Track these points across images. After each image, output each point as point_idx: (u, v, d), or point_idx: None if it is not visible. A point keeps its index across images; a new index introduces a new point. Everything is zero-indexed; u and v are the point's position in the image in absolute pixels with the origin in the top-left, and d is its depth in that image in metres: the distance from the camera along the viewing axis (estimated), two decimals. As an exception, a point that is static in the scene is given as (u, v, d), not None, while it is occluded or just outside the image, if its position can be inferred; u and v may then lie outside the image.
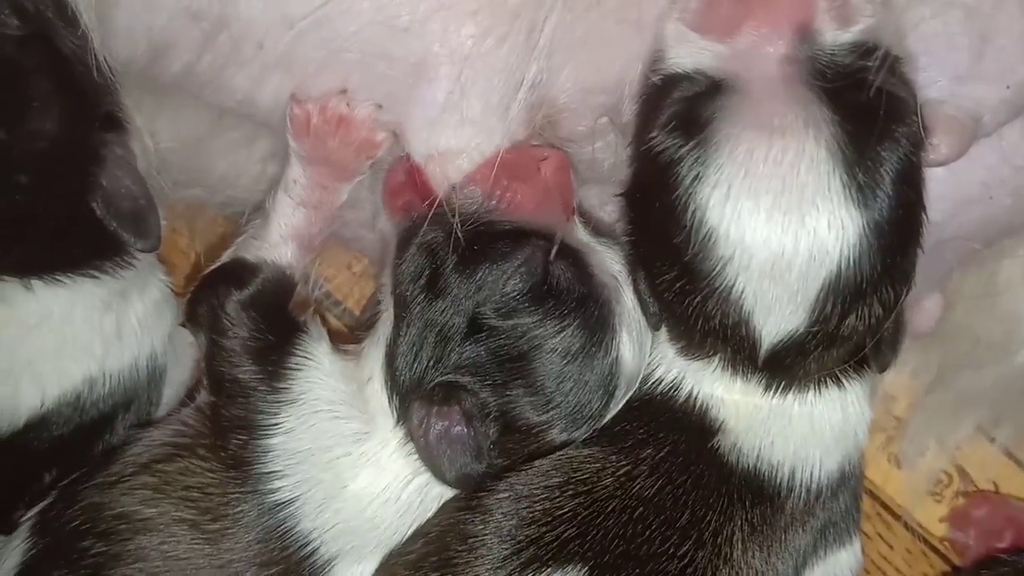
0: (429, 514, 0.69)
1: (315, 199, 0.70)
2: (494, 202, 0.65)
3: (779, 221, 0.56)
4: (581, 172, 0.71)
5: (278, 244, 0.71)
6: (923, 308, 0.77)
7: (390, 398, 0.67)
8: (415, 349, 0.65)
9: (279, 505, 0.67)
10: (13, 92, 0.61)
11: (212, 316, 0.70)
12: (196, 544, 0.66)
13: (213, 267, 0.73)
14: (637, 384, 0.68)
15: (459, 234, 0.63)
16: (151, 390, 0.77)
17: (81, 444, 0.74)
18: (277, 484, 0.67)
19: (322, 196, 0.70)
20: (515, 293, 0.63)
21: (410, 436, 0.66)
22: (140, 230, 0.68)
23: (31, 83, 0.62)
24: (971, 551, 0.84)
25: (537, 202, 0.66)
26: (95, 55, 0.64)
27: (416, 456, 0.66)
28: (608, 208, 0.73)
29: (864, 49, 0.58)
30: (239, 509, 0.67)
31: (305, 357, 0.69)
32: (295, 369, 0.69)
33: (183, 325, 0.74)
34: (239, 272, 0.71)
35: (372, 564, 0.69)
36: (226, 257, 0.72)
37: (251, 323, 0.69)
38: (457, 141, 0.64)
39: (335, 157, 0.68)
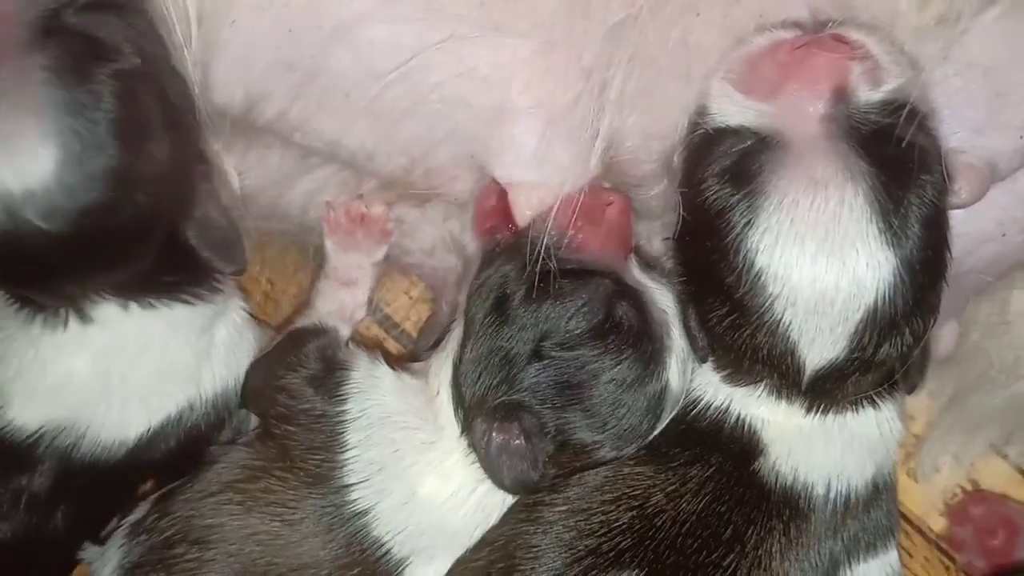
0: (492, 519, 0.72)
1: (351, 278, 0.80)
2: (565, 240, 0.68)
3: (823, 263, 0.61)
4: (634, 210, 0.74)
5: (325, 319, 0.79)
6: (940, 335, 0.79)
7: (455, 411, 0.71)
8: (480, 369, 0.69)
9: (357, 514, 0.71)
10: (135, 118, 0.63)
11: (287, 363, 0.75)
12: (282, 551, 0.71)
13: (274, 344, 0.79)
14: (679, 405, 0.72)
15: (531, 268, 0.67)
16: (241, 411, 0.80)
17: (178, 462, 0.77)
18: (355, 495, 0.71)
19: (358, 274, 0.81)
20: (577, 330, 0.66)
21: (472, 447, 0.70)
22: (230, 256, 0.72)
23: (149, 112, 0.64)
24: (968, 545, 0.88)
25: (601, 243, 0.69)
26: (193, 100, 0.68)
27: (478, 465, 0.70)
28: (655, 242, 0.77)
29: (894, 106, 0.62)
30: (321, 520, 0.71)
31: (359, 381, 0.74)
32: (352, 393, 0.73)
33: (241, 407, 0.79)
34: (304, 335, 0.78)
35: (442, 563, 0.72)
36: (283, 335, 0.79)
37: (317, 363, 0.75)
38: (539, 178, 0.69)
39: (362, 245, 0.79)
